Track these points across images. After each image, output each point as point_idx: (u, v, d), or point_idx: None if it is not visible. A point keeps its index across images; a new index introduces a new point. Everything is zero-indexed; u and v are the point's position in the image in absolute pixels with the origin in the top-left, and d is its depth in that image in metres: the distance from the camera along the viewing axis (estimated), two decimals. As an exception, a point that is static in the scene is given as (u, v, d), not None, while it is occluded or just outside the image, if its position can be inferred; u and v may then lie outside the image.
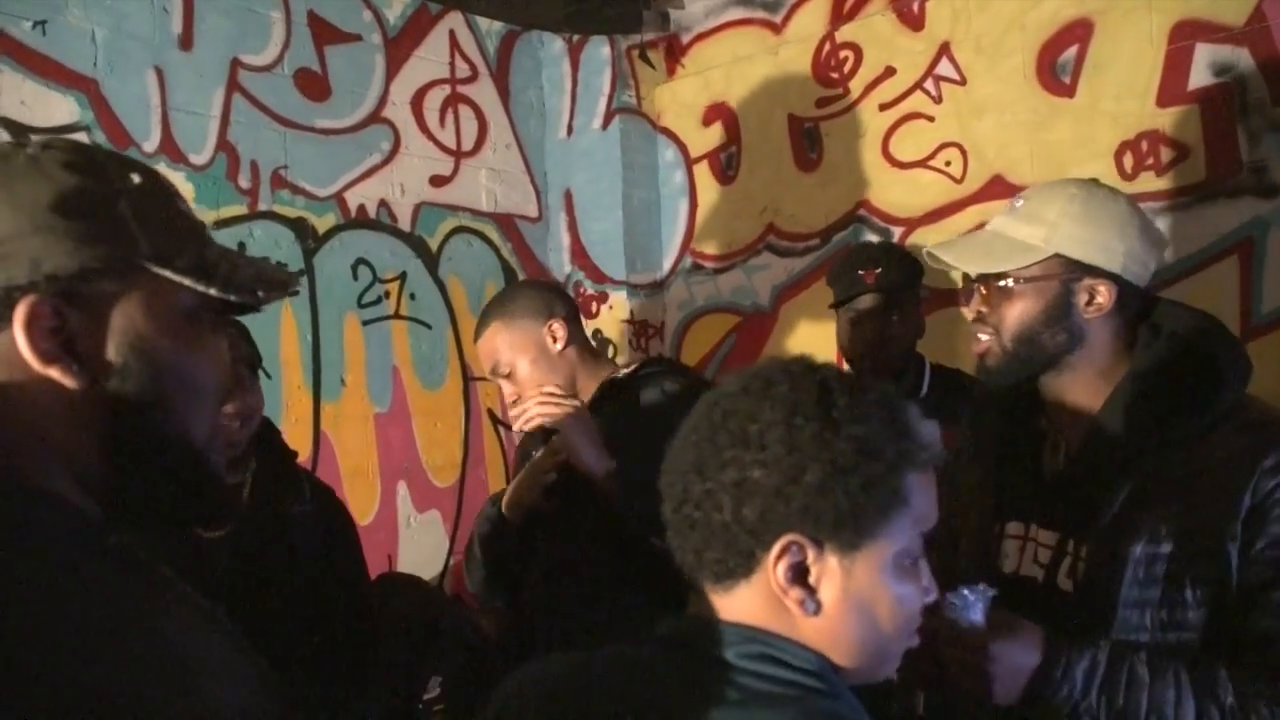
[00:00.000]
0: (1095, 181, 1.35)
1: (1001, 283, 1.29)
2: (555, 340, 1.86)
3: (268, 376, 1.86)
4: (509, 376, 1.86)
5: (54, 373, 0.69)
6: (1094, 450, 1.27)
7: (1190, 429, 1.21)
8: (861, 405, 0.82)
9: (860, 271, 2.24)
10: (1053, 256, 1.26)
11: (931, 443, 0.86)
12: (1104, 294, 1.27)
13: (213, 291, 0.75)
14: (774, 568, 0.81)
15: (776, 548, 0.81)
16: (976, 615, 1.15)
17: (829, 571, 0.82)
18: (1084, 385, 1.29)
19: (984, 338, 1.32)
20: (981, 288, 1.32)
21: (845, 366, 3.02)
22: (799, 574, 0.82)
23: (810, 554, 0.81)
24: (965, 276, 1.38)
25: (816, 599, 0.82)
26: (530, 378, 1.84)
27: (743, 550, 0.82)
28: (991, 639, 1.13)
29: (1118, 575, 1.20)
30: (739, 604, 0.84)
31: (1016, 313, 1.28)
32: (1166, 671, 1.13)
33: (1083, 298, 1.27)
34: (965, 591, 1.15)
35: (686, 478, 0.84)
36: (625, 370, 1.90)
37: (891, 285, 2.21)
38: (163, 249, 0.73)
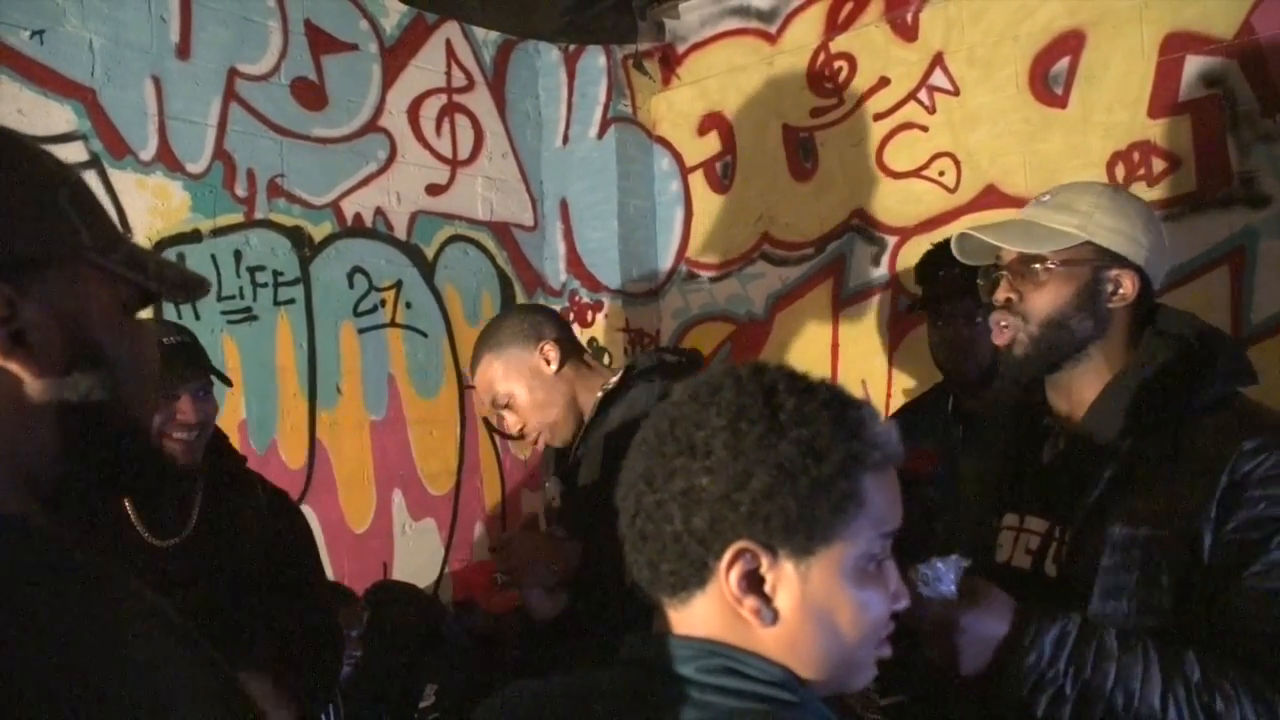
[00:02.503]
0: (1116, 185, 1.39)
1: (1036, 265, 1.31)
2: (549, 363, 1.86)
3: (228, 385, 1.87)
4: (508, 407, 1.86)
5: (13, 366, 0.66)
6: (1086, 436, 1.30)
7: (1173, 413, 1.24)
8: (809, 407, 0.80)
9: (942, 272, 2.14)
10: (1085, 243, 1.30)
11: (886, 442, 0.83)
12: (1128, 285, 1.31)
13: (151, 285, 0.74)
14: (726, 577, 0.79)
15: (727, 556, 0.79)
16: (948, 586, 1.14)
17: (784, 579, 0.80)
18: (1094, 377, 1.32)
19: (1007, 327, 1.33)
20: (1010, 274, 1.34)
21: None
22: (753, 582, 0.80)
23: (763, 561, 0.79)
24: (987, 266, 1.39)
25: (773, 608, 0.80)
26: (530, 404, 1.84)
27: (695, 560, 0.80)
28: (961, 610, 1.13)
29: (1096, 558, 1.21)
30: (697, 617, 0.82)
31: (1048, 297, 1.30)
32: (1135, 646, 1.14)
33: (1109, 286, 1.31)
34: (938, 563, 1.15)
35: (637, 489, 0.83)
36: (614, 379, 1.88)
37: (971, 285, 2.09)
38: (102, 241, 0.72)
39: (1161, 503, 1.20)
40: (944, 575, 1.14)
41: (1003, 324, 1.34)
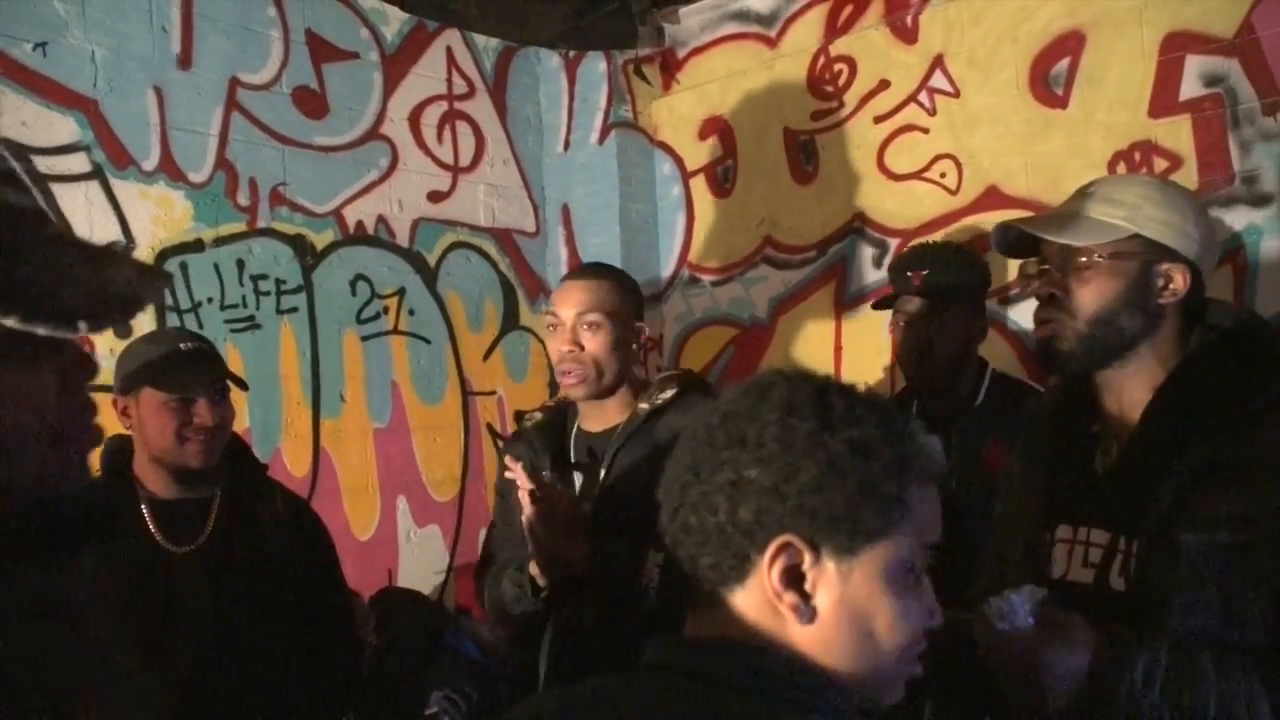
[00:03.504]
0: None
1: (1083, 258, 1.25)
2: (635, 340, 1.82)
3: (244, 389, 1.91)
4: (591, 327, 1.76)
5: None
6: (1145, 440, 1.23)
7: (1244, 413, 1.17)
8: (859, 409, 0.81)
9: (909, 273, 2.17)
10: (1133, 236, 1.24)
11: (932, 454, 0.83)
12: (1179, 279, 1.24)
13: None
14: (769, 570, 0.79)
15: (771, 548, 0.79)
16: (1024, 619, 1.10)
17: (825, 577, 0.79)
18: (1145, 376, 1.25)
19: (1049, 322, 1.27)
20: (1053, 268, 1.28)
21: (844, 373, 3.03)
22: (794, 578, 0.79)
23: (806, 557, 0.79)
24: (1027, 262, 1.33)
25: (811, 605, 0.79)
26: (605, 345, 1.77)
27: (737, 552, 0.80)
28: (1042, 643, 1.09)
29: (1171, 569, 1.14)
30: (732, 615, 0.82)
31: (1096, 292, 1.24)
32: (1234, 668, 1.07)
33: (1159, 281, 1.24)
34: (1011, 595, 1.10)
35: (683, 480, 0.83)
36: (663, 396, 1.80)
37: (938, 289, 2.12)
38: None
39: (1239, 507, 1.13)
40: (1019, 607, 1.10)
41: (1046, 320, 1.28)
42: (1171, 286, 1.24)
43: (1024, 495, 1.37)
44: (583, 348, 1.76)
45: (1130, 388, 1.26)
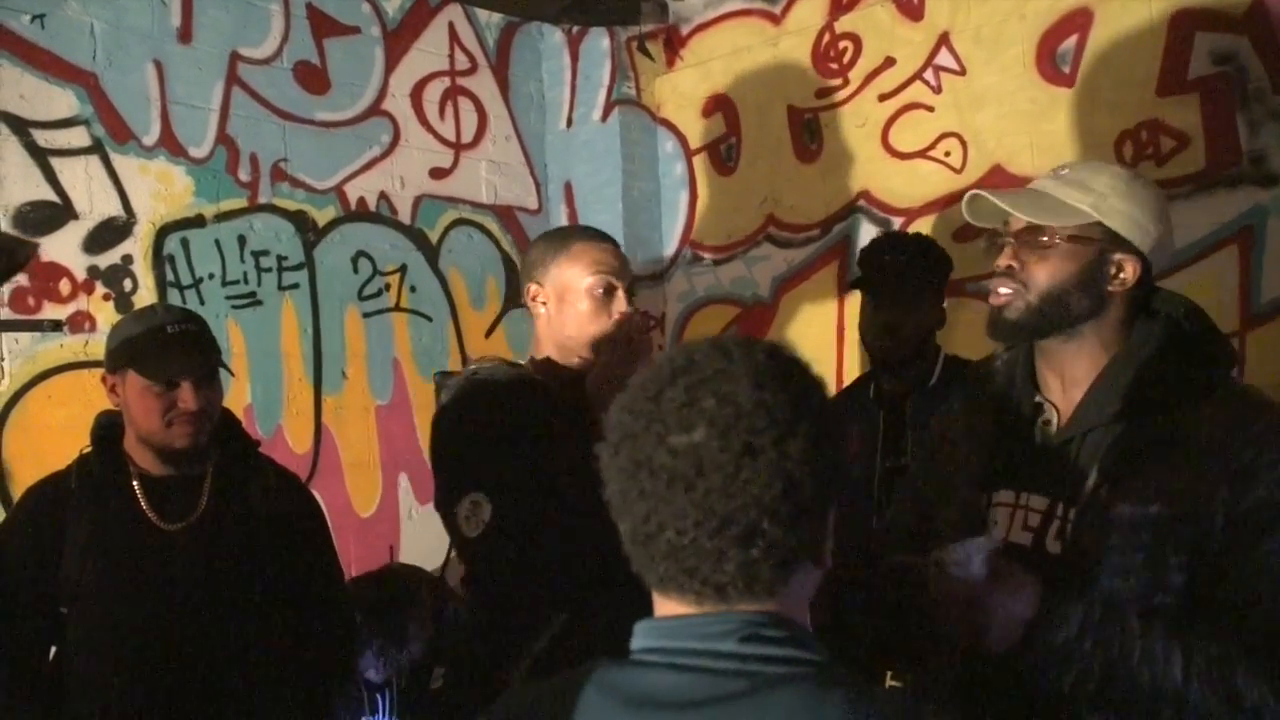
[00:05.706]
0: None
1: (1043, 237, 1.32)
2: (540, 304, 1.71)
3: (230, 374, 1.90)
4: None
5: None
6: (1086, 416, 1.32)
7: (1178, 397, 1.27)
8: None
9: (886, 257, 2.29)
10: (1095, 223, 1.31)
11: None
12: (1130, 270, 1.32)
13: None
14: None
15: None
16: (977, 567, 1.19)
17: None
18: (1087, 356, 1.33)
19: (1005, 291, 1.35)
20: (1015, 242, 1.35)
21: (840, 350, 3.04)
22: None
23: None
24: (994, 231, 1.40)
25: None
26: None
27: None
28: (987, 591, 1.18)
29: (1103, 537, 1.24)
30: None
31: (1051, 270, 1.31)
32: (1155, 626, 1.18)
33: (1111, 269, 1.32)
34: (969, 544, 1.19)
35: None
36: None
37: (910, 273, 2.25)
38: None
39: (1169, 482, 1.22)
40: (974, 556, 1.19)
41: (1002, 290, 1.35)
42: (1122, 276, 1.32)
43: (963, 459, 1.46)
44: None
45: (1072, 364, 1.35)
